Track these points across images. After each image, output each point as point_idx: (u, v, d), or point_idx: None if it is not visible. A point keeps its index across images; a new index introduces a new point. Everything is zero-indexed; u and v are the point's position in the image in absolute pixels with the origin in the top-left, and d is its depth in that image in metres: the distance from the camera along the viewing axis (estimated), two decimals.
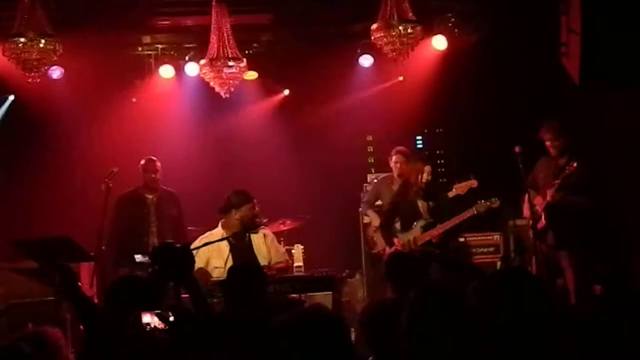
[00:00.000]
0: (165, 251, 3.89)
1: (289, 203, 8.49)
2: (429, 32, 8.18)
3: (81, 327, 4.63)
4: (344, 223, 9.05)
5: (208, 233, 7.05)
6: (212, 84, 6.98)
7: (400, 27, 6.52)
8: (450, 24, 8.70)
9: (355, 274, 8.82)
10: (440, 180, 8.14)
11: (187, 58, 8.76)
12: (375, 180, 8.97)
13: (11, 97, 8.90)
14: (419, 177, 7.29)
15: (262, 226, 7.10)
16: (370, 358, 3.36)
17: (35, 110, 8.62)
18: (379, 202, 8.39)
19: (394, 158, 8.10)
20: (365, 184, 9.22)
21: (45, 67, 6.73)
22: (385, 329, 3.17)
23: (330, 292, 6.96)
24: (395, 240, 7.37)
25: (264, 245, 7.07)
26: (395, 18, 6.52)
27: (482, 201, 7.17)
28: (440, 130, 9.74)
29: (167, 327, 3.49)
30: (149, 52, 8.96)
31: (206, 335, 3.48)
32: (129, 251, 7.53)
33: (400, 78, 9.48)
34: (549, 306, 2.70)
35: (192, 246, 6.18)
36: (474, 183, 7.42)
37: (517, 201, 7.53)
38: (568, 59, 6.94)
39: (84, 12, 7.61)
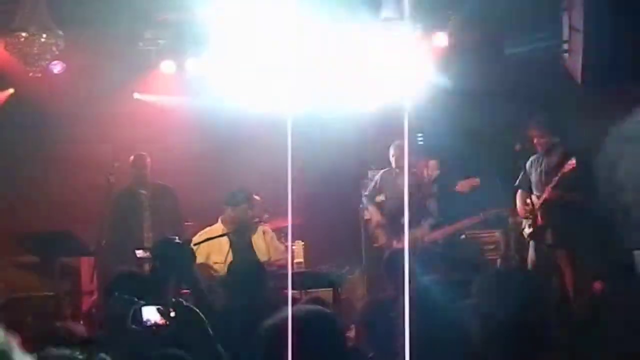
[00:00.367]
0: (166, 246, 3.89)
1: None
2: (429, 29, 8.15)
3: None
4: (345, 219, 9.03)
5: (208, 228, 7.05)
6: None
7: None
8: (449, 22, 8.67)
9: (355, 270, 8.81)
10: (443, 178, 8.13)
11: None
12: (377, 175, 8.94)
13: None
14: (426, 171, 7.27)
15: (259, 224, 7.11)
16: (371, 355, 3.37)
17: (36, 105, 8.62)
18: (381, 198, 8.37)
19: (391, 150, 8.09)
20: (367, 179, 9.19)
21: (47, 62, 6.73)
22: (385, 327, 3.18)
23: (330, 289, 6.98)
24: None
25: (263, 242, 7.08)
26: None
27: (492, 209, 7.16)
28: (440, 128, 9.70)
29: (168, 322, 3.49)
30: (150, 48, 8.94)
31: (207, 330, 3.47)
32: (124, 247, 7.53)
33: None
34: (548, 304, 2.72)
35: (193, 241, 6.20)
36: (476, 181, 7.41)
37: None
38: (570, 56, 6.93)
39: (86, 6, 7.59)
